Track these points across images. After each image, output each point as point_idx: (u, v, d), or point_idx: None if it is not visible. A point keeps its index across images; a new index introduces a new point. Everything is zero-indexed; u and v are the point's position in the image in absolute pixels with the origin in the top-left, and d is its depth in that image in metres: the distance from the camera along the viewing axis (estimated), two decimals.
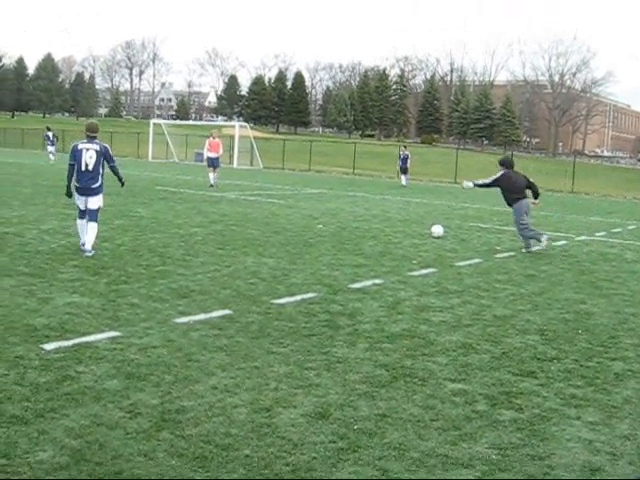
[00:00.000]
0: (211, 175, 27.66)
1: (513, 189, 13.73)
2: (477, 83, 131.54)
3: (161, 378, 5.41)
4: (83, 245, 10.81)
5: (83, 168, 10.68)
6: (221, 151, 28.86)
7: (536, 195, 14.16)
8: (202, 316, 7.33)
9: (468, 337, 7.15)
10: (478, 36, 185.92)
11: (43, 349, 5.96)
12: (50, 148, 40.76)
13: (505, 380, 5.85)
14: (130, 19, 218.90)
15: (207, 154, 28.31)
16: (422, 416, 4.96)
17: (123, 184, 11.96)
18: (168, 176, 33.62)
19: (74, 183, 10.89)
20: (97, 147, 10.79)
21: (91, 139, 10.87)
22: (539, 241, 13.57)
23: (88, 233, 10.72)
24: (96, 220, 10.85)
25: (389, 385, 5.56)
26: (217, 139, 28.80)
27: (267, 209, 19.23)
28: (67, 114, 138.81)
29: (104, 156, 10.82)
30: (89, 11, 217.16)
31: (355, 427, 4.69)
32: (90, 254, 10.54)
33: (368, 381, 5.62)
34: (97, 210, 10.85)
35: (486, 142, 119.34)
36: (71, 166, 10.82)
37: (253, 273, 9.85)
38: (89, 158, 10.69)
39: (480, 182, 14.24)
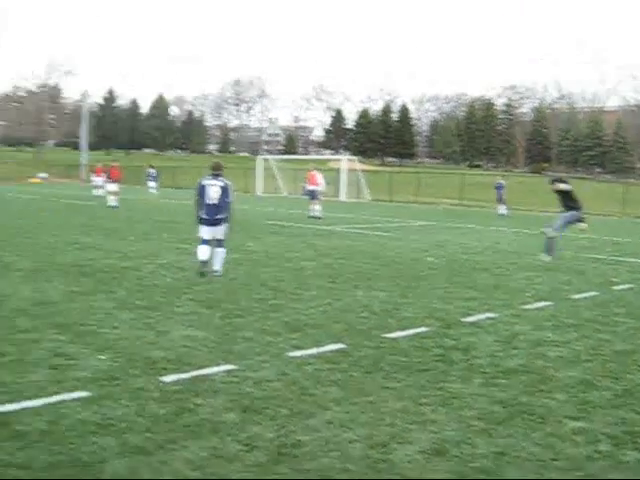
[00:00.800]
0: (312, 207, 28.39)
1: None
2: (587, 109, 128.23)
3: (277, 411, 5.48)
4: (203, 263, 11.96)
5: (210, 202, 11.89)
6: (320, 183, 29.37)
7: None
8: (315, 350, 7.39)
9: (587, 373, 6.93)
10: (586, 61, 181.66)
11: (162, 381, 6.14)
12: (151, 184, 42.34)
13: (628, 419, 5.63)
14: (238, 58, 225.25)
15: (308, 187, 29.13)
16: (542, 455, 4.82)
17: (231, 222, 12.56)
18: (277, 210, 34.19)
19: (201, 215, 12.03)
20: (221, 184, 12.03)
21: (215, 176, 12.16)
22: (547, 254, 14.98)
23: (217, 257, 12.00)
24: (224, 246, 12.12)
25: (506, 422, 5.44)
26: (315, 172, 29.45)
27: (376, 242, 19.27)
28: (179, 151, 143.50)
29: (226, 192, 11.95)
30: (199, 52, 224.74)
31: (473, 465, 4.61)
32: (219, 275, 11.86)
33: (484, 417, 5.52)
34: (224, 239, 12.08)
35: (598, 170, 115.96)
36: (197, 199, 12.08)
37: (364, 306, 9.87)
38: (214, 193, 11.90)
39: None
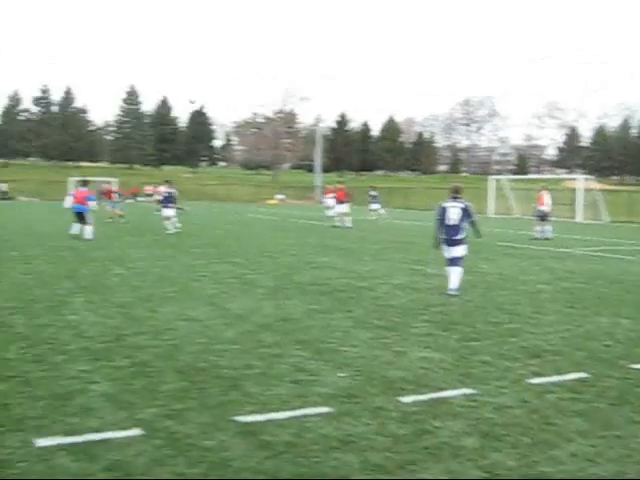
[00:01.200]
0: (538, 228, 27.69)
1: None
2: None
3: (518, 440, 5.34)
4: (450, 290, 12.36)
5: (449, 223, 12.39)
6: (547, 203, 28.44)
7: None
8: (556, 378, 7.12)
9: None
10: None
11: (400, 401, 6.20)
12: (373, 206, 43.08)
13: None
14: (467, 78, 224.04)
15: (538, 207, 28.40)
16: None
17: (480, 236, 13.16)
18: (510, 231, 33.45)
19: (441, 236, 12.49)
20: (462, 205, 12.49)
21: (455, 198, 12.64)
22: None
23: (452, 276, 12.41)
24: (460, 265, 12.48)
25: None
26: (543, 192, 28.72)
27: (617, 266, 18.24)
28: (409, 172, 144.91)
29: (466, 212, 12.40)
30: (428, 74, 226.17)
31: None
32: (454, 293, 12.23)
33: None
34: (461, 258, 12.47)
35: None
36: (437, 221, 12.57)
37: (608, 334, 9.37)
38: (454, 214, 12.38)
39: None
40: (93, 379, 6.74)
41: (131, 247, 20.44)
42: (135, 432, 5.35)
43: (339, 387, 6.61)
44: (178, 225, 27.10)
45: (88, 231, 22.99)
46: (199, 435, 5.31)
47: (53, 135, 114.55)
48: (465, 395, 6.44)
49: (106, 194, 35.62)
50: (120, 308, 10.47)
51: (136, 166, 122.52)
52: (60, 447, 5.03)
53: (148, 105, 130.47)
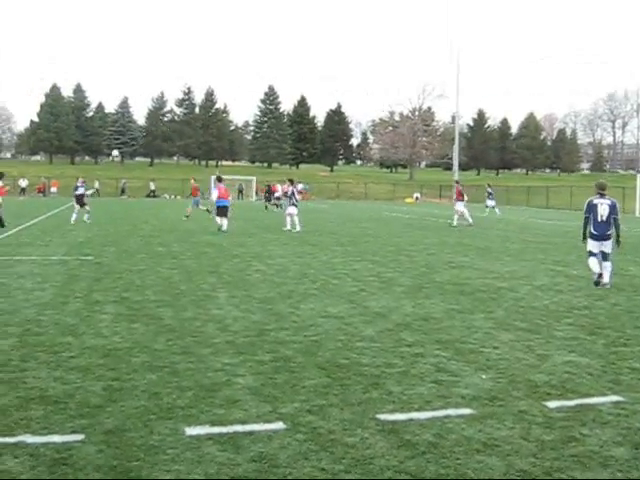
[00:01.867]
0: None
1: None
2: None
3: None
4: (598, 276, 12.97)
5: (599, 219, 12.86)
6: None
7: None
8: None
9: None
10: None
11: (546, 406, 6.04)
12: (489, 202, 42.21)
13: None
14: (612, 72, 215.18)
15: None
16: None
17: (619, 243, 13.15)
18: None
19: (590, 231, 12.97)
20: (609, 202, 12.95)
21: (602, 195, 13.06)
22: None
23: (606, 271, 12.95)
24: (610, 260, 13.04)
25: None
26: None
27: None
28: (548, 170, 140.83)
29: (614, 209, 12.87)
30: (569, 69, 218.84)
31: None
32: (609, 286, 12.83)
33: None
34: (610, 253, 12.97)
35: None
36: (586, 218, 13.07)
37: None
38: (603, 211, 12.85)
39: None
40: (237, 372, 6.93)
41: (270, 244, 20.89)
42: (279, 425, 5.46)
43: (481, 389, 6.51)
44: (297, 225, 26.77)
45: (225, 224, 25.17)
46: (341, 431, 5.36)
47: (195, 135, 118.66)
48: (614, 403, 6.19)
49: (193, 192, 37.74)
50: (262, 304, 10.72)
51: (274, 165, 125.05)
52: (208, 436, 5.21)
53: (286, 105, 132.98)
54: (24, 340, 8.14)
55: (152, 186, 75.33)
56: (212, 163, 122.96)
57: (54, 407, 5.78)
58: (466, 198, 33.37)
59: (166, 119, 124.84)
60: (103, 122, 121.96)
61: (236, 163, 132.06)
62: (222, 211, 25.37)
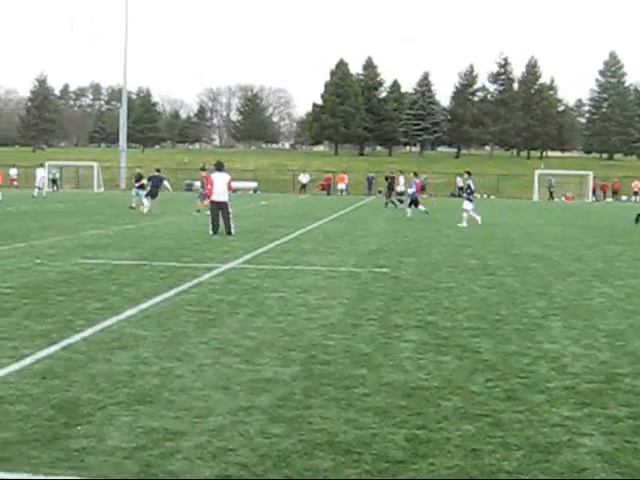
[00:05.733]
0: None
1: None
2: None
3: None
4: None
5: None
6: None
7: None
8: None
9: None
10: None
11: None
12: None
13: None
14: None
15: None
16: None
17: None
18: None
19: None
20: None
21: None
22: None
23: None
24: None
25: None
26: None
27: None
28: None
29: None
30: None
31: None
32: None
33: None
34: None
35: None
36: None
37: None
38: None
39: None
40: (582, 430, 6.56)
41: (617, 259, 20.08)
42: None
43: None
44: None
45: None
46: None
47: (513, 118, 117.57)
48: None
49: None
50: (610, 338, 10.24)
51: (617, 155, 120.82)
52: None
53: (632, 76, 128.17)
54: (308, 369, 8.36)
55: (459, 182, 76.01)
56: (535, 154, 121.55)
57: (345, 458, 5.78)
58: None
59: (476, 99, 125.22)
60: (399, 104, 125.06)
61: (566, 154, 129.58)
62: None
